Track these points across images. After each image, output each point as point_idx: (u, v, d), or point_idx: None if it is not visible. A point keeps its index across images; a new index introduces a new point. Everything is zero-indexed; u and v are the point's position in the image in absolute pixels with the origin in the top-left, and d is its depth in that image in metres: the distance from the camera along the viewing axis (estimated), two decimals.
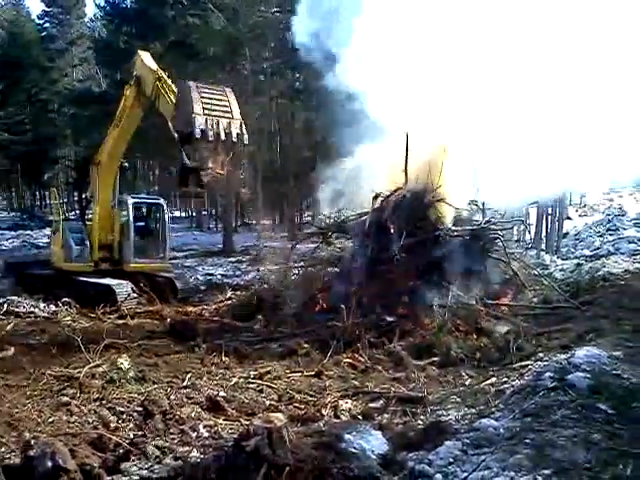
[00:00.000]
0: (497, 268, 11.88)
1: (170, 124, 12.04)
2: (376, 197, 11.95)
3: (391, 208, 11.70)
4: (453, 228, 11.65)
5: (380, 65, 11.69)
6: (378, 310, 10.30)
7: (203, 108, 11.52)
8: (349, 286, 11.04)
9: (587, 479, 4.01)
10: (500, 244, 12.06)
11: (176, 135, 11.54)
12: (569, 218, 28.68)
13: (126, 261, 14.70)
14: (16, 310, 12.42)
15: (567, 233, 26.73)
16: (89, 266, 14.44)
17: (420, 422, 6.01)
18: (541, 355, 7.58)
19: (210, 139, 11.31)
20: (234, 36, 27.03)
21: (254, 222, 33.36)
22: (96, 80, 43.07)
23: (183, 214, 42.78)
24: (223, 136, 11.55)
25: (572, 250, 23.69)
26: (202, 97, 11.56)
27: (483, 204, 12.48)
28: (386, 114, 11.44)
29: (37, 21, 49.63)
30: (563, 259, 19.83)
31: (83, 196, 43.74)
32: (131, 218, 14.75)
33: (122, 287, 13.64)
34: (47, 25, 48.54)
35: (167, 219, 15.81)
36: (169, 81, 12.86)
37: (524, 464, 4.29)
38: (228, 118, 11.68)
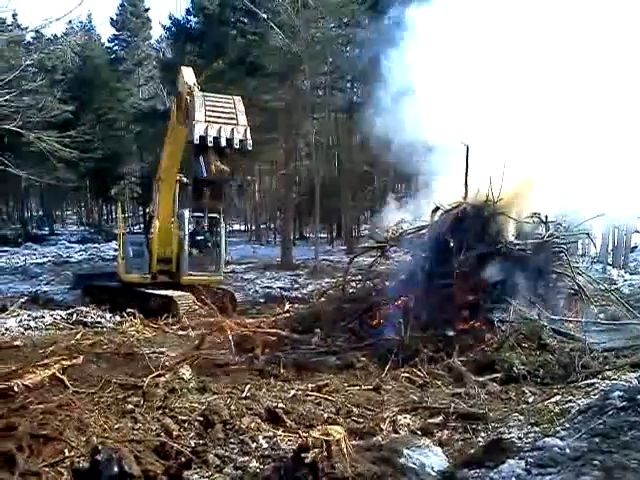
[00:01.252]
0: (561, 282, 11.54)
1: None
2: (435, 210, 11.83)
3: (451, 222, 11.55)
4: (515, 242, 11.40)
5: (437, 74, 11.67)
6: (437, 325, 10.16)
7: (206, 115, 11.87)
8: (408, 300, 10.95)
9: None
10: (564, 258, 11.71)
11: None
12: (637, 231, 27.55)
13: (182, 274, 15.07)
14: (84, 320, 12.97)
15: (636, 247, 25.69)
16: (146, 278, 14.88)
17: (481, 439, 5.88)
18: (609, 373, 7.30)
19: (209, 144, 11.60)
20: (293, 52, 27.47)
21: (312, 236, 33.59)
22: (160, 98, 44.60)
23: (242, 227, 43.51)
24: (224, 142, 11.86)
25: None
26: (206, 105, 11.87)
27: (546, 217, 12.15)
28: (444, 126, 11.38)
29: (107, 44, 52.08)
30: (631, 274, 19.09)
31: (146, 210, 45.34)
32: (186, 231, 15.11)
33: (184, 299, 13.99)
34: (116, 48, 50.87)
35: (223, 233, 16.04)
36: (200, 94, 13.25)
37: None
38: (232, 125, 11.92)
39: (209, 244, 15.66)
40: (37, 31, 41.99)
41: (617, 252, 23.28)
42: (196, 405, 6.75)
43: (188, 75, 14.36)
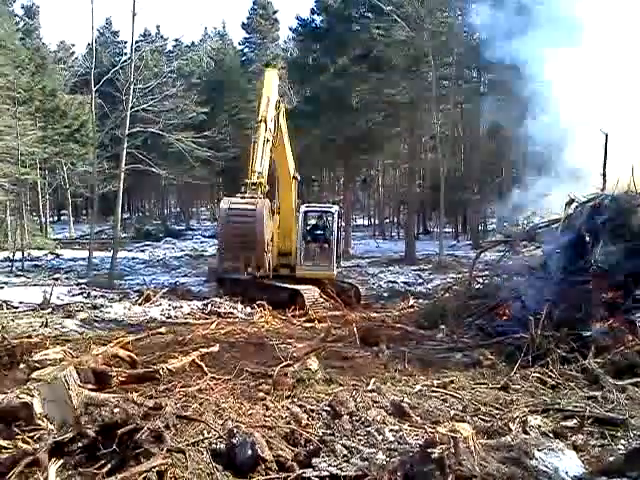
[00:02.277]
0: None
1: None
2: (570, 203, 11.24)
3: (587, 214, 10.91)
4: None
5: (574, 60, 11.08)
6: (571, 323, 9.64)
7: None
8: (539, 296, 10.49)
9: None
10: None
11: None
12: None
13: (298, 267, 15.52)
14: (218, 310, 13.76)
15: None
16: (266, 271, 15.41)
17: (621, 447, 5.54)
18: None
19: None
20: (417, 45, 27.17)
21: (436, 230, 33.08)
22: (288, 97, 45.98)
23: (366, 222, 43.76)
24: None
25: None
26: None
27: None
28: (582, 114, 10.79)
29: (238, 47, 54.52)
30: None
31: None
32: (300, 225, 15.55)
33: (310, 292, 14.40)
34: (246, 50, 53.09)
35: (337, 227, 16.19)
36: (263, 131, 13.77)
37: None
38: None
39: (322, 238, 16.03)
40: (177, 39, 44.85)
41: None
42: (323, 395, 6.95)
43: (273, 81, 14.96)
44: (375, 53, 28.46)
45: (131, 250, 31.20)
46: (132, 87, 22.08)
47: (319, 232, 16.25)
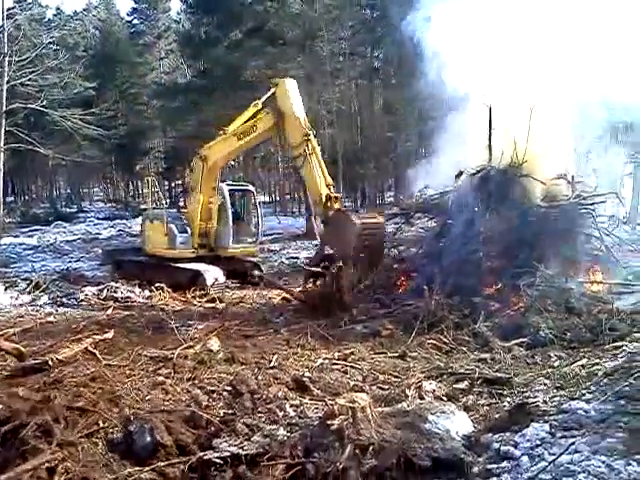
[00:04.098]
0: (589, 244, 11.36)
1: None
2: (459, 175, 11.71)
3: (475, 186, 11.42)
4: (541, 204, 11.24)
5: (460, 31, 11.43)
6: (463, 290, 10.12)
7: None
8: (433, 266, 10.92)
9: None
10: (592, 219, 11.51)
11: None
12: None
13: (223, 246, 15.32)
14: (114, 295, 13.25)
15: None
16: (192, 252, 15.10)
17: (506, 404, 5.90)
18: (637, 336, 7.23)
19: None
20: (311, 18, 27.09)
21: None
22: (181, 71, 44.53)
23: (267, 199, 43.56)
24: None
25: None
26: (364, 238, 12.12)
27: (572, 178, 11.92)
28: (467, 83, 11.20)
29: (126, 18, 51.83)
30: None
31: (172, 185, 45.47)
32: (228, 205, 15.31)
33: (210, 272, 14.18)
34: (135, 21, 50.57)
35: (258, 204, 16.54)
36: (315, 142, 13.38)
37: (617, 448, 4.15)
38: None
39: (245, 216, 16.01)
40: (57, 8, 41.98)
41: None
42: (224, 376, 6.89)
43: (297, 100, 14.10)
44: (269, 27, 28.09)
45: (17, 236, 29.20)
46: (7, 59, 20.49)
47: (242, 210, 16.40)
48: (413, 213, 13.41)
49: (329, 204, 12.94)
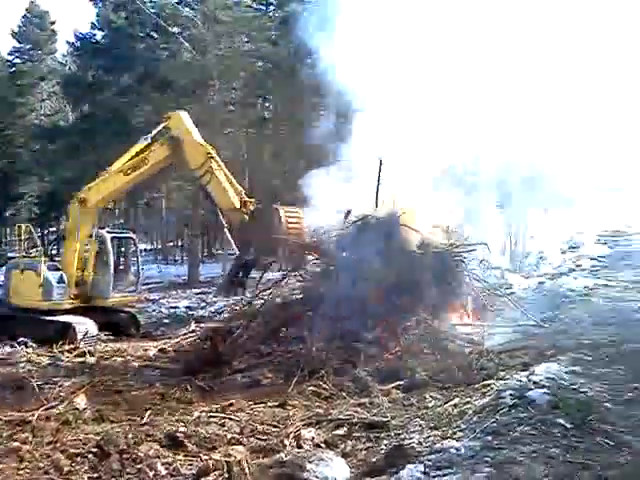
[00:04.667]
0: (462, 289, 11.96)
1: (223, 216, 13.32)
2: (347, 214, 11.98)
3: (357, 233, 11.70)
4: (418, 251, 11.71)
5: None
6: (343, 336, 10.21)
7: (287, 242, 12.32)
8: (313, 312, 10.96)
9: None
10: (463, 266, 12.17)
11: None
12: (532, 237, 29.16)
13: (102, 297, 14.58)
14: None
15: (530, 252, 27.15)
16: (70, 303, 14.12)
17: (383, 447, 5.92)
18: (503, 374, 7.59)
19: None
20: (203, 68, 27.18)
21: (221, 252, 33.09)
22: (64, 114, 42.71)
23: (148, 246, 42.22)
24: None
25: (535, 268, 24.01)
26: (288, 228, 12.33)
27: (448, 227, 12.61)
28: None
29: (6, 57, 49.02)
30: (526, 277, 20.12)
31: (45, 232, 42.79)
32: (110, 253, 14.70)
33: (82, 324, 13.33)
34: (17, 61, 47.97)
35: (139, 252, 16.32)
36: (218, 159, 13.35)
37: None
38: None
39: (125, 264, 15.45)
40: None
41: (513, 258, 24.54)
42: (91, 436, 6.39)
43: (191, 125, 14.03)
44: (161, 73, 27.83)
45: None
46: None
47: (121, 258, 15.77)
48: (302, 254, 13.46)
49: (245, 208, 12.97)
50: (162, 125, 14.17)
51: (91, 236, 14.63)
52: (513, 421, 5.24)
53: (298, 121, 27.16)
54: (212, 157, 13.29)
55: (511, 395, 5.89)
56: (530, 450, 4.64)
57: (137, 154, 14.18)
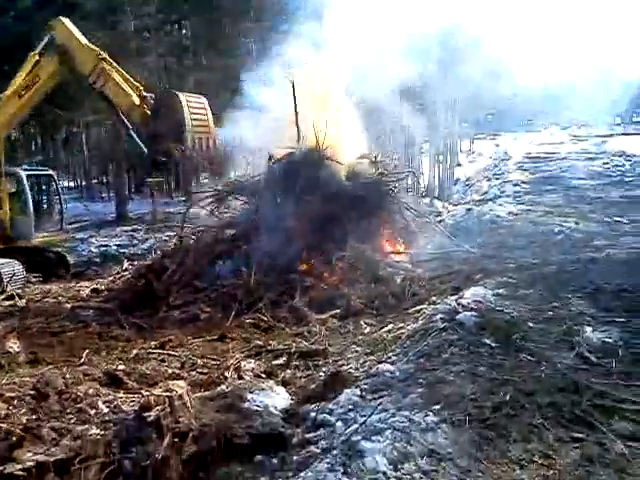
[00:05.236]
0: (392, 218, 12.22)
1: (125, 116, 12.46)
2: (270, 159, 11.81)
3: (283, 169, 11.62)
4: (347, 183, 11.80)
5: None
6: (279, 268, 10.32)
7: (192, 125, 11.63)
8: (248, 246, 10.98)
9: (472, 409, 4.29)
10: (394, 195, 12.38)
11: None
12: (459, 165, 29.87)
13: (24, 237, 14.06)
14: None
15: (458, 180, 27.90)
16: None
17: (322, 374, 6.14)
18: (434, 299, 7.94)
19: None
20: None
21: (148, 188, 32.19)
22: None
23: (72, 184, 40.49)
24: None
25: (463, 196, 24.77)
26: (191, 112, 11.64)
27: (376, 157, 12.70)
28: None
29: None
30: (454, 205, 20.78)
31: None
32: (28, 191, 14.16)
33: (7, 266, 12.83)
34: None
35: (60, 190, 15.80)
36: (111, 60, 12.65)
37: (417, 402, 4.53)
38: (206, 133, 11.83)
39: (47, 203, 14.97)
40: None
41: (442, 185, 25.18)
42: (27, 379, 6.29)
43: (76, 30, 13.40)
44: None
45: None
46: None
47: (42, 197, 15.24)
48: (227, 194, 13.31)
49: (144, 103, 12.45)
50: (46, 38, 13.46)
51: (1, 174, 13.91)
52: (444, 343, 5.53)
53: (219, 49, 26.21)
54: (104, 58, 12.69)
55: (441, 319, 6.19)
56: (459, 370, 4.94)
57: (29, 74, 13.44)
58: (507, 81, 12.72)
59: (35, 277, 13.63)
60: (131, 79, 12.91)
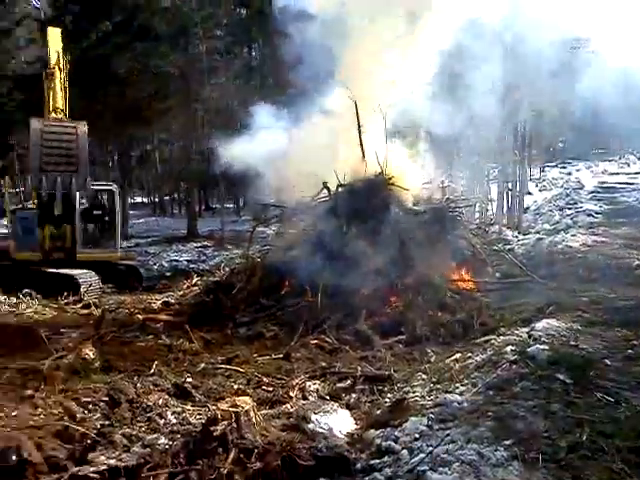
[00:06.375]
0: (459, 245, 12.05)
1: None
2: (325, 186, 11.77)
3: (348, 193, 11.60)
4: (414, 209, 11.73)
5: None
6: (344, 291, 10.32)
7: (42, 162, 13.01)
8: (313, 268, 11.03)
9: (545, 447, 4.14)
10: (461, 221, 12.23)
11: None
12: (529, 193, 29.17)
13: (76, 251, 14.64)
14: None
15: (528, 208, 27.21)
16: (37, 256, 14.19)
17: (387, 400, 6.10)
18: (503, 329, 7.75)
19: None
20: (184, 14, 26.48)
21: (218, 206, 33.02)
22: (45, 61, 41.58)
23: (145, 200, 42.08)
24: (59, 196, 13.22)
25: (533, 225, 24.11)
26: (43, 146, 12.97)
27: (442, 183, 12.60)
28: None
29: None
30: (524, 234, 20.26)
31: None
32: (77, 206, 14.66)
33: (85, 277, 13.45)
34: None
35: (119, 206, 15.87)
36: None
37: (486, 436, 4.42)
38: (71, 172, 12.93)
39: (102, 218, 15.36)
40: None
41: (511, 214, 24.59)
42: (101, 385, 6.55)
43: (55, 40, 15.32)
44: (140, 20, 27.09)
45: None
46: None
47: (99, 212, 15.41)
48: (291, 216, 13.40)
49: None
50: None
51: None
52: (514, 376, 5.38)
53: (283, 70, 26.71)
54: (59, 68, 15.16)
55: (512, 351, 6.04)
56: (530, 405, 4.79)
57: None
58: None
59: (110, 288, 14.23)
60: None
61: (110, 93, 26.16)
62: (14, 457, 4.63)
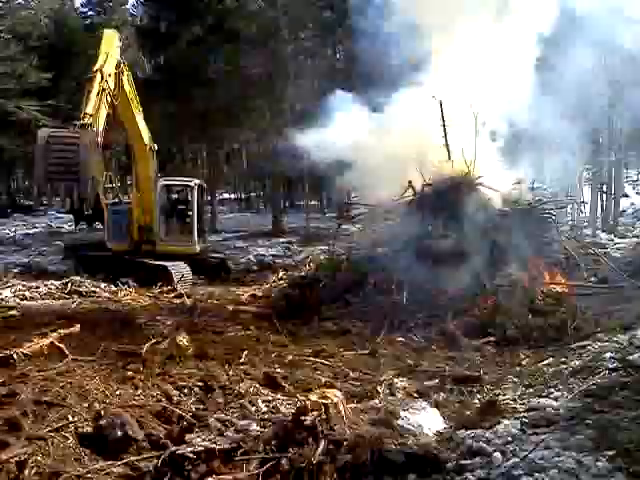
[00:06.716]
0: (552, 248, 11.64)
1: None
2: (410, 186, 11.63)
3: (434, 193, 11.43)
4: (503, 209, 11.40)
5: None
6: (430, 290, 10.22)
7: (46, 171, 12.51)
8: (400, 266, 10.97)
9: None
10: (552, 223, 11.80)
11: None
12: (626, 195, 27.68)
13: (158, 243, 15.22)
14: (79, 290, 12.95)
15: (624, 211, 25.84)
16: (126, 247, 14.88)
17: (476, 401, 6.00)
18: (600, 335, 7.42)
19: None
20: (270, 17, 26.98)
21: (302, 203, 33.44)
22: (141, 65, 43.59)
23: (232, 196, 43.24)
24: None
25: (630, 228, 22.86)
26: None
27: (533, 183, 12.16)
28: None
29: (81, 9, 50.06)
30: (620, 237, 19.29)
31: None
32: (157, 200, 15.22)
33: (177, 268, 14.02)
34: (91, 13, 48.93)
35: (198, 201, 15.97)
36: None
37: (586, 445, 4.24)
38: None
39: (181, 212, 15.90)
40: None
41: (606, 216, 23.45)
42: (195, 371, 6.83)
43: (108, 43, 14.77)
44: (229, 24, 27.90)
45: None
46: None
47: (179, 206, 15.98)
48: (376, 214, 13.35)
49: None
50: None
51: (152, 182, 15.37)
52: (614, 384, 5.15)
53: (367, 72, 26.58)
54: (100, 72, 13.94)
55: (612, 358, 5.78)
56: (633, 416, 4.56)
57: None
58: None
59: (201, 279, 14.78)
60: None
61: (200, 94, 27.08)
62: (119, 432, 4.92)
